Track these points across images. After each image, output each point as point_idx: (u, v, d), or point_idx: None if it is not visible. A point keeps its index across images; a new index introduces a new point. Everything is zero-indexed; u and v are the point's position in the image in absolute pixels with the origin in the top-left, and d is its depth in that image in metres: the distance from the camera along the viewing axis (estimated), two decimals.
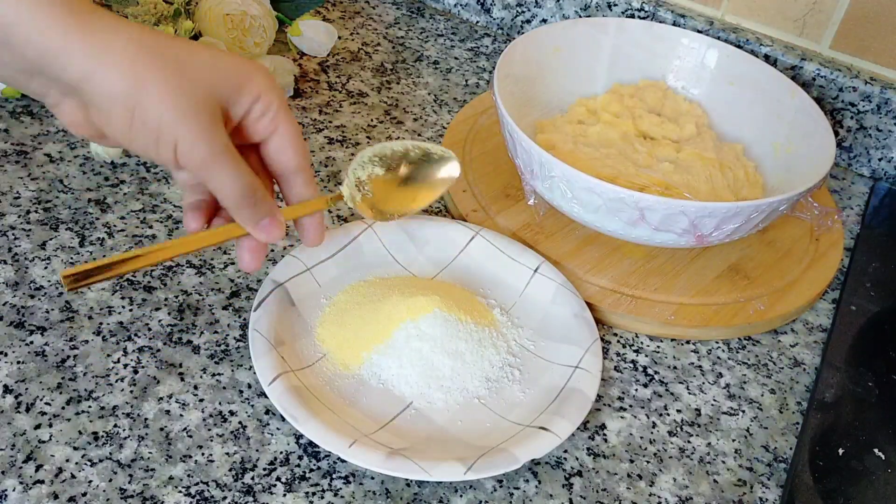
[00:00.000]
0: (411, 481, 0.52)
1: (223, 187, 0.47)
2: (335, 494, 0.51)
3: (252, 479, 0.51)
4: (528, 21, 0.96)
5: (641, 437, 0.57)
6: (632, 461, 0.56)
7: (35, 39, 0.41)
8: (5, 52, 0.42)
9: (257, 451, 0.53)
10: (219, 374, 0.57)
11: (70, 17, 0.41)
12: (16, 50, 0.42)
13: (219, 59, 0.46)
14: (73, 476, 0.50)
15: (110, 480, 0.50)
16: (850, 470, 0.56)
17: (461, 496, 0.52)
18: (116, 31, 0.42)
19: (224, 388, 0.56)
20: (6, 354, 0.56)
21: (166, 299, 0.61)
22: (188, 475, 0.51)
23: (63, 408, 0.53)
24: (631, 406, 0.60)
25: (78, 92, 0.43)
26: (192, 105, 0.44)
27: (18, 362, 0.55)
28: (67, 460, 0.50)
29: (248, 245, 0.52)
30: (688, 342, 0.65)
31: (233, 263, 0.64)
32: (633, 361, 0.63)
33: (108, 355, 0.57)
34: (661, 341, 0.65)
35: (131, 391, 0.55)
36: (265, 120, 0.48)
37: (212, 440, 0.53)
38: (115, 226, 0.66)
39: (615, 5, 0.89)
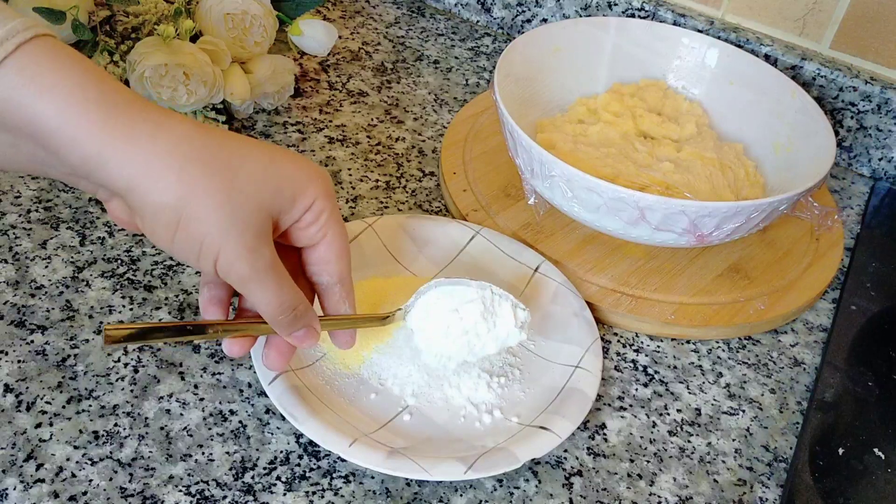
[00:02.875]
0: (411, 481, 0.52)
1: (261, 303, 0.45)
2: (335, 494, 0.51)
3: (252, 478, 0.51)
4: (529, 21, 0.96)
5: (641, 437, 0.58)
6: (632, 461, 0.56)
7: (76, 147, 0.39)
8: (51, 157, 0.40)
9: (257, 450, 0.53)
10: (219, 374, 0.57)
11: (109, 122, 0.39)
12: (60, 155, 0.39)
13: (273, 168, 0.43)
14: (73, 475, 0.50)
15: (111, 479, 0.50)
16: (850, 469, 0.56)
17: (461, 495, 0.52)
18: (160, 133, 0.40)
19: (224, 387, 0.56)
20: (7, 353, 0.56)
21: (167, 298, 0.61)
22: (188, 474, 0.51)
23: (63, 407, 0.53)
24: (631, 406, 0.60)
25: (124, 198, 0.41)
26: (239, 221, 0.41)
27: (19, 361, 0.55)
28: (68, 459, 0.50)
29: (276, 345, 0.49)
30: (688, 342, 0.65)
31: None
32: (633, 361, 0.63)
33: (109, 354, 0.57)
34: (662, 341, 0.65)
35: (132, 390, 0.55)
36: (314, 228, 0.46)
37: (212, 439, 0.53)
38: (115, 225, 0.66)
39: (616, 5, 0.89)
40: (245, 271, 0.43)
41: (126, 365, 0.56)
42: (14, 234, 0.64)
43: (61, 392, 0.54)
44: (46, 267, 0.62)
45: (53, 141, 0.39)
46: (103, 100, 0.39)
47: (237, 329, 0.48)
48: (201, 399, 0.55)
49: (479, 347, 0.54)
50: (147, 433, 0.53)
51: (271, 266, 0.44)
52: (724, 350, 0.65)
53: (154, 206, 0.40)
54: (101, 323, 0.58)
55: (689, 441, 0.58)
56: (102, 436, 0.52)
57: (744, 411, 0.60)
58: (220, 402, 0.55)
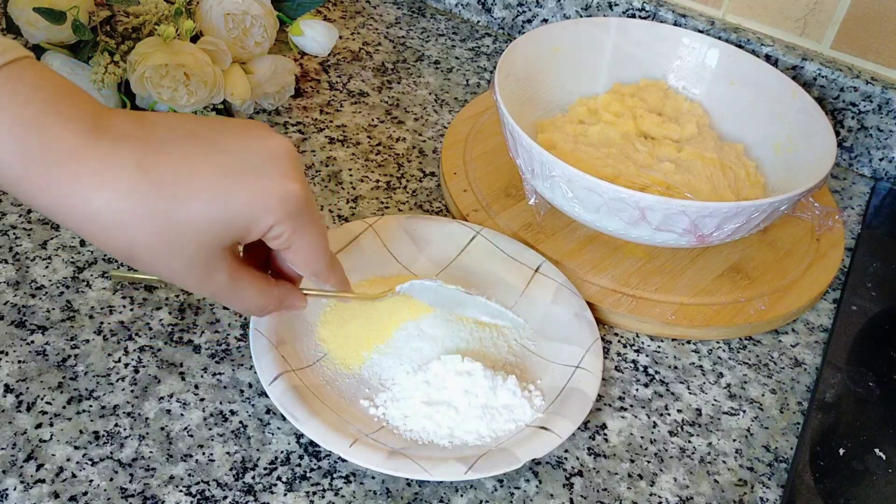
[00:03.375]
0: (412, 481, 0.52)
1: (234, 309, 0.48)
2: (336, 494, 0.51)
3: (253, 478, 0.51)
4: (529, 21, 0.96)
5: (642, 437, 0.57)
6: (632, 461, 0.56)
7: (32, 198, 0.40)
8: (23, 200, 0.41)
9: (258, 450, 0.53)
10: (219, 374, 0.57)
11: (49, 175, 0.39)
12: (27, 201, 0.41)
13: (223, 203, 0.42)
14: (73, 475, 0.50)
15: (111, 480, 0.50)
16: (850, 470, 0.56)
17: (462, 496, 0.52)
18: (100, 182, 0.39)
19: (225, 387, 0.56)
20: (7, 354, 0.56)
21: (167, 299, 0.61)
22: (189, 474, 0.51)
23: (64, 407, 0.53)
24: (632, 406, 0.60)
25: None
26: (184, 263, 0.42)
27: (19, 361, 0.55)
28: (68, 459, 0.50)
29: None
30: (688, 342, 0.65)
31: None
32: (633, 361, 0.63)
33: (109, 355, 0.57)
34: (662, 341, 0.65)
35: (132, 390, 0.55)
36: (276, 243, 0.45)
37: (212, 439, 0.53)
38: None
39: (616, 5, 0.89)
40: (207, 295, 0.46)
41: (126, 365, 0.56)
42: (14, 234, 0.64)
43: (62, 392, 0.54)
44: (47, 267, 0.62)
45: (18, 191, 0.40)
46: (45, 151, 0.39)
47: None
48: (202, 399, 0.55)
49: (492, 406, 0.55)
50: (147, 433, 0.52)
51: (228, 286, 0.45)
52: (724, 350, 0.65)
53: (110, 254, 0.42)
54: (102, 324, 0.58)
55: (689, 441, 0.58)
56: (103, 436, 0.52)
57: (744, 411, 0.60)
58: (220, 403, 0.55)
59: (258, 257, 0.50)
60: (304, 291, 0.51)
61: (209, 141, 0.43)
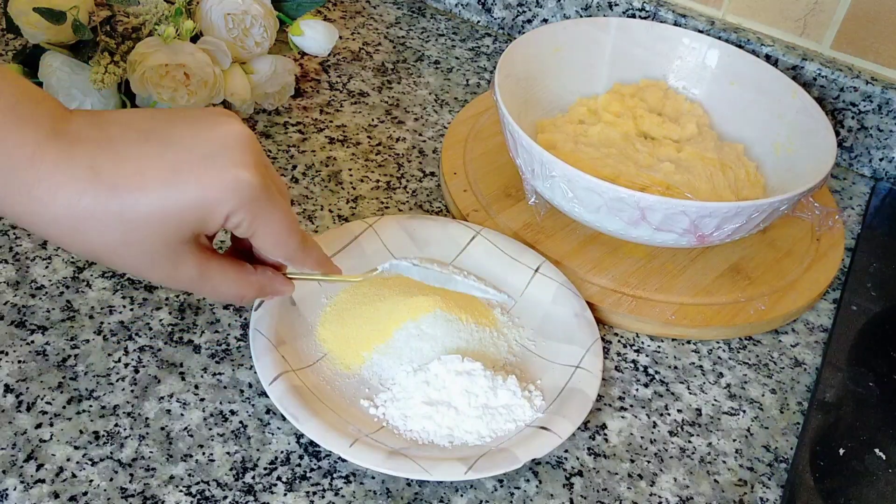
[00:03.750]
0: (412, 481, 0.52)
1: (211, 300, 0.49)
2: (336, 494, 0.51)
3: (253, 478, 0.51)
4: (529, 21, 0.96)
5: (642, 437, 0.57)
6: (632, 461, 0.56)
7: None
8: None
9: (258, 450, 0.53)
10: (220, 374, 0.57)
11: (10, 183, 0.40)
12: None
13: (173, 200, 0.42)
14: (73, 475, 0.50)
15: (111, 480, 0.50)
16: (850, 470, 0.56)
17: (462, 496, 0.52)
18: (57, 186, 0.40)
19: (225, 387, 0.56)
20: (7, 354, 0.56)
21: (167, 299, 0.61)
22: (189, 474, 0.51)
23: (64, 407, 0.53)
24: (632, 406, 0.60)
25: None
26: (147, 259, 0.43)
27: (19, 361, 0.55)
28: (68, 459, 0.50)
29: None
30: (688, 342, 0.65)
31: None
32: (633, 361, 0.63)
33: (109, 355, 0.57)
34: (662, 341, 0.65)
35: (132, 390, 0.55)
36: (238, 231, 0.46)
37: (212, 439, 0.53)
38: None
39: (616, 5, 0.89)
40: (180, 289, 0.46)
41: (126, 365, 0.56)
42: (14, 234, 0.64)
43: (62, 392, 0.54)
44: (47, 267, 0.62)
45: None
46: (4, 160, 0.39)
47: None
48: (202, 399, 0.55)
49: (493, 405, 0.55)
50: (147, 433, 0.52)
51: (198, 278, 0.46)
52: (724, 350, 0.65)
53: (72, 252, 0.44)
54: (102, 323, 0.58)
55: (689, 441, 0.58)
56: (103, 436, 0.52)
57: (744, 411, 0.60)
58: (220, 403, 0.55)
59: (244, 246, 0.50)
60: (289, 276, 0.51)
61: (161, 136, 0.43)
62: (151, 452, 0.52)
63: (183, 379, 0.56)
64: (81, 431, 0.52)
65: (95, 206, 0.41)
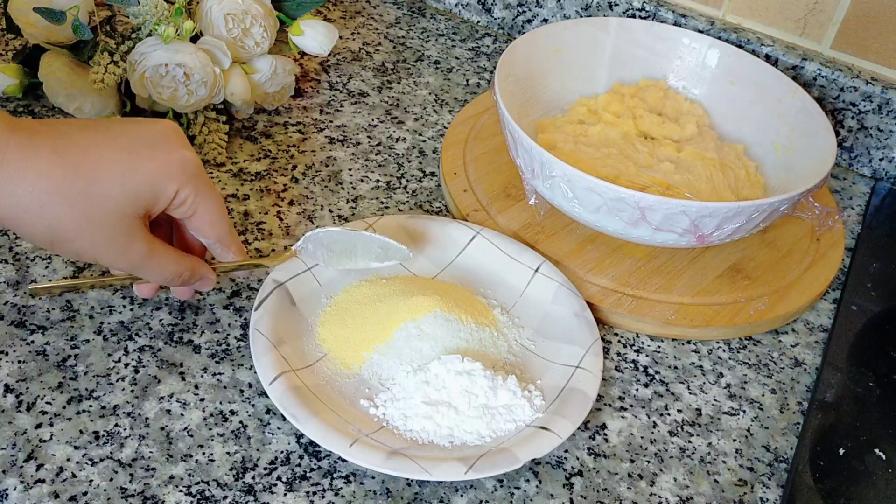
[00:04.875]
0: (412, 481, 0.52)
1: (151, 279, 0.53)
2: (336, 494, 0.51)
3: (253, 478, 0.51)
4: (530, 21, 0.96)
5: (642, 437, 0.57)
6: (632, 461, 0.56)
7: None
8: None
9: (258, 450, 0.53)
10: (219, 374, 0.57)
11: None
12: None
13: (129, 176, 0.47)
14: (73, 475, 0.50)
15: (111, 480, 0.50)
16: (850, 470, 0.56)
17: (462, 496, 0.52)
18: (24, 167, 0.44)
19: (225, 387, 0.56)
20: (7, 354, 0.56)
21: (167, 299, 0.61)
22: (189, 474, 0.51)
23: (64, 407, 0.53)
24: (632, 406, 0.60)
25: None
26: (104, 235, 0.47)
27: (19, 361, 0.55)
28: (68, 459, 0.50)
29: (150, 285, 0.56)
30: (688, 342, 0.65)
31: None
32: (633, 361, 0.63)
33: (109, 355, 0.57)
34: (662, 341, 0.65)
35: (132, 390, 0.55)
36: (183, 209, 0.51)
37: (212, 439, 0.53)
38: None
39: (616, 5, 0.89)
40: (127, 266, 0.51)
41: (126, 365, 0.56)
42: (14, 234, 0.64)
43: (62, 392, 0.54)
44: (47, 267, 0.62)
45: None
46: None
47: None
48: (202, 399, 0.55)
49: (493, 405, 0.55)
50: (147, 433, 0.52)
51: (147, 255, 0.50)
52: (724, 350, 0.65)
53: (34, 239, 0.47)
54: (102, 323, 0.58)
55: (689, 441, 0.58)
56: (103, 436, 0.52)
57: (744, 411, 0.60)
58: (220, 403, 0.55)
59: (164, 237, 0.54)
60: (212, 266, 0.56)
61: (107, 130, 0.49)
62: (151, 452, 0.52)
63: (183, 379, 0.56)
64: (81, 431, 0.52)
65: (62, 183, 0.45)
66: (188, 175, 0.50)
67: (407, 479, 0.52)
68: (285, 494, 0.51)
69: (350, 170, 0.75)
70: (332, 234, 0.58)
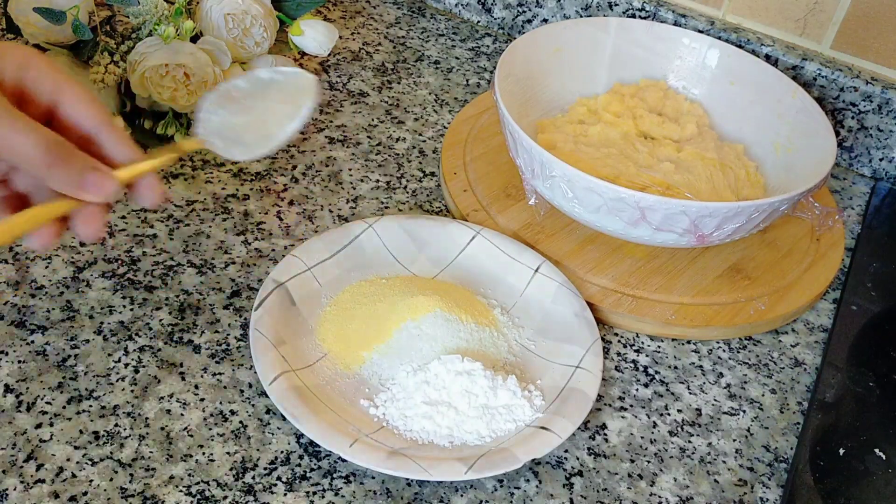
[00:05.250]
0: (412, 481, 0.52)
1: (22, 148, 0.42)
2: (336, 494, 0.51)
3: (253, 478, 0.51)
4: (530, 21, 0.96)
5: (642, 437, 0.57)
6: (632, 461, 0.56)
7: None
8: None
9: (258, 450, 0.53)
10: (219, 374, 0.57)
11: None
12: None
13: None
14: (73, 475, 0.50)
15: (111, 480, 0.50)
16: (850, 470, 0.56)
17: (462, 496, 0.52)
18: None
19: (225, 387, 0.56)
20: (7, 354, 0.56)
21: (167, 299, 0.61)
22: (189, 474, 0.51)
23: (64, 407, 0.53)
24: (632, 406, 0.60)
25: None
26: None
27: (19, 361, 0.55)
28: (68, 459, 0.50)
29: (81, 216, 0.46)
30: (688, 342, 0.65)
31: (233, 263, 0.64)
32: (633, 361, 0.63)
33: (109, 355, 0.57)
34: (662, 341, 0.65)
35: (132, 390, 0.55)
36: (44, 87, 0.44)
37: (212, 439, 0.53)
38: (115, 225, 0.66)
39: (616, 5, 0.89)
40: None
41: (126, 365, 0.56)
42: None
43: (62, 392, 0.54)
44: (47, 267, 0.62)
45: None
46: None
47: (26, 222, 0.44)
48: (202, 399, 0.55)
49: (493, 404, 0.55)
50: (147, 433, 0.52)
51: (7, 109, 0.42)
52: (724, 350, 0.65)
53: None
54: (102, 323, 0.58)
55: (689, 441, 0.58)
56: (103, 436, 0.52)
57: (744, 411, 0.60)
58: (220, 403, 0.55)
59: None
60: (115, 173, 0.44)
61: None
62: (151, 452, 0.52)
63: (183, 379, 0.56)
64: (81, 431, 0.52)
65: None
66: (33, 52, 0.44)
67: (407, 479, 0.52)
68: (285, 494, 0.51)
69: (350, 170, 0.75)
70: (224, 99, 0.49)
